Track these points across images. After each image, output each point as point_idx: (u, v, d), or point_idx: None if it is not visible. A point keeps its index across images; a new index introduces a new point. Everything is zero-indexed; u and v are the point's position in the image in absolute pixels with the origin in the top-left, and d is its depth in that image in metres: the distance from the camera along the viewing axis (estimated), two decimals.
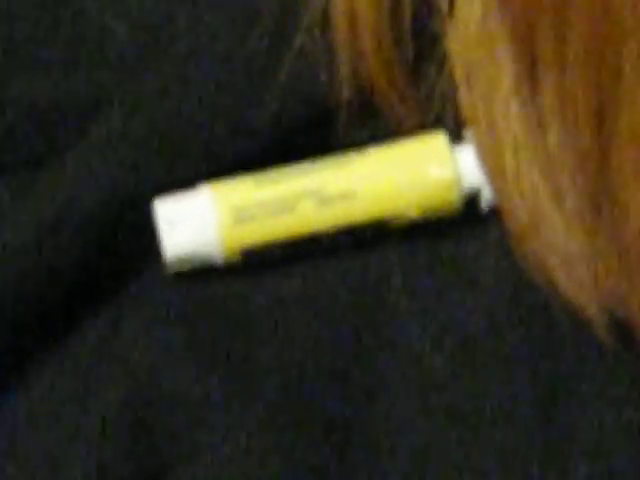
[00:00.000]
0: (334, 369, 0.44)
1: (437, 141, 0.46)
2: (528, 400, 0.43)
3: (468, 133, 0.44)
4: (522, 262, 0.45)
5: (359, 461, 0.44)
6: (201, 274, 0.45)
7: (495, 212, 0.45)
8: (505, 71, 0.46)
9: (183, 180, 0.45)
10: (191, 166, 0.44)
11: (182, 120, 0.44)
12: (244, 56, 0.45)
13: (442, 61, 0.45)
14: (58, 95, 0.47)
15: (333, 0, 0.46)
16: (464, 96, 0.45)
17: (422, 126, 0.46)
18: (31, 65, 0.49)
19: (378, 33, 0.45)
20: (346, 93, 0.44)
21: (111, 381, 0.44)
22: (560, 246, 0.43)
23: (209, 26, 0.46)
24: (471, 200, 0.46)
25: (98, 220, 0.43)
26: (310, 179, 0.45)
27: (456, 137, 0.45)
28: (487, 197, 0.45)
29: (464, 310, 0.44)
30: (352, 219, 0.46)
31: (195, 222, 0.44)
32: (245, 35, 0.45)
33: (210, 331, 0.44)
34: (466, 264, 0.46)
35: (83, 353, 0.46)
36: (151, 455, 0.42)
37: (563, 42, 0.43)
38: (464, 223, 0.47)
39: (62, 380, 0.43)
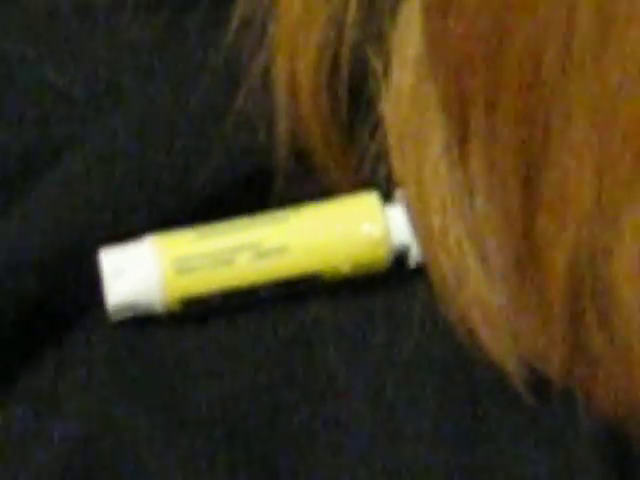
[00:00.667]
0: (259, 412, 0.47)
1: (369, 200, 0.48)
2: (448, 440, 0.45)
3: (399, 193, 0.46)
4: (447, 316, 0.46)
5: None
6: (142, 322, 0.46)
7: (422, 269, 0.46)
8: (435, 135, 0.47)
9: (128, 232, 0.46)
10: (135, 218, 0.46)
11: (128, 174, 0.46)
12: (187, 114, 0.47)
13: (376, 123, 0.47)
14: (9, 148, 0.49)
15: (274, 61, 0.47)
16: (396, 158, 0.47)
17: (355, 185, 0.48)
18: None
19: (316, 96, 0.47)
20: (283, 153, 0.47)
21: (52, 424, 0.45)
22: (483, 302, 0.45)
23: (156, 86, 0.48)
24: (400, 257, 0.48)
25: (42, 269, 0.45)
26: (248, 233, 0.47)
27: (387, 197, 0.47)
28: (415, 254, 0.48)
29: (389, 360, 0.47)
30: (287, 272, 0.47)
31: (138, 272, 0.46)
32: (189, 94, 0.47)
33: (141, 372, 0.46)
34: (394, 317, 0.48)
35: (28, 396, 0.48)
36: None
37: (493, 109, 0.44)
38: (393, 278, 0.48)
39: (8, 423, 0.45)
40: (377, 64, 0.49)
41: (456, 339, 0.48)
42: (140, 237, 0.47)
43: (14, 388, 0.46)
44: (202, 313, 0.47)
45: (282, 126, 0.48)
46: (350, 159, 0.49)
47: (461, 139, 0.47)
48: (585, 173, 0.44)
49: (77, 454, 0.45)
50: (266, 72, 0.48)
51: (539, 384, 0.47)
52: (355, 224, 0.49)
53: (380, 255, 0.49)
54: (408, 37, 0.47)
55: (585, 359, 0.47)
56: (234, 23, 0.50)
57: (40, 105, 0.49)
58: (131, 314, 0.47)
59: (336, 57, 0.49)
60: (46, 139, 0.49)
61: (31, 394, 0.46)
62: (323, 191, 0.50)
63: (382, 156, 0.50)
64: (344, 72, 0.49)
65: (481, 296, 0.46)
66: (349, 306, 0.48)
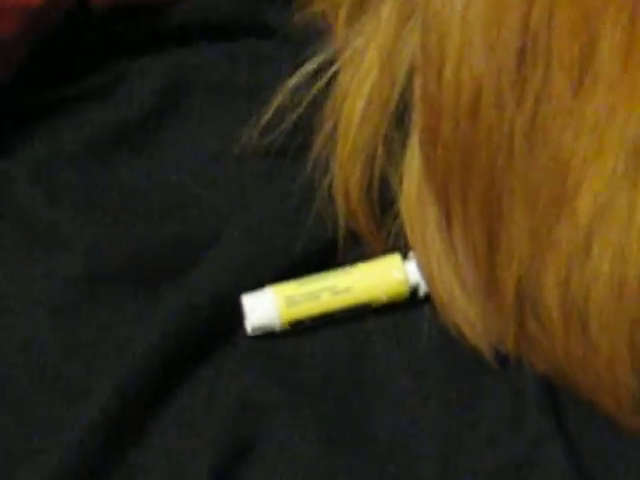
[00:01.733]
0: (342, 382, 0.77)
1: (395, 258, 0.78)
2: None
3: (412, 254, 0.76)
4: (444, 323, 0.75)
5: None
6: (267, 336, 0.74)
7: (428, 296, 0.76)
8: (431, 219, 0.75)
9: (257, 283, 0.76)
10: (261, 274, 0.77)
11: (255, 248, 0.77)
12: (287, 215, 0.78)
13: (397, 214, 0.76)
14: (169, 237, 0.80)
15: (335, 183, 0.78)
16: (409, 233, 0.77)
17: (386, 250, 0.78)
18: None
19: (360, 202, 0.78)
20: (342, 232, 0.79)
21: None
22: (464, 311, 0.73)
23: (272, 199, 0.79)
24: (415, 290, 0.77)
25: (211, 308, 0.75)
26: (328, 281, 0.76)
27: (405, 256, 0.77)
28: (424, 288, 0.77)
29: (412, 352, 0.77)
30: (352, 303, 0.76)
31: (264, 308, 0.75)
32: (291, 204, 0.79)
33: (276, 363, 0.77)
34: (412, 325, 0.78)
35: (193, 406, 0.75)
36: None
37: (465, 202, 0.72)
38: (411, 304, 0.78)
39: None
40: (395, 179, 0.79)
41: (451, 336, 0.75)
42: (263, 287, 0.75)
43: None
44: (303, 330, 0.75)
45: (341, 220, 0.78)
46: (381, 235, 0.79)
47: (447, 221, 0.75)
48: (522, 231, 0.72)
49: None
50: (330, 186, 0.77)
51: (501, 356, 0.74)
52: (388, 272, 0.77)
53: (403, 290, 0.77)
54: (412, 161, 0.77)
55: (527, 339, 0.74)
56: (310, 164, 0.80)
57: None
58: (260, 333, 0.75)
59: (371, 178, 0.77)
60: (193, 232, 0.80)
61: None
62: (368, 254, 0.79)
63: (400, 233, 0.78)
64: (375, 186, 0.78)
65: (463, 307, 0.74)
66: (387, 322, 0.78)
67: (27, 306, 0.78)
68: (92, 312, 0.79)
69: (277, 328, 0.78)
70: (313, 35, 0.86)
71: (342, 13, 0.85)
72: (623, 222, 0.73)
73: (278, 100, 0.84)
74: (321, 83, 0.84)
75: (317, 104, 0.82)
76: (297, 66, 0.84)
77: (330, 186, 0.82)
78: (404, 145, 0.81)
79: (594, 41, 0.73)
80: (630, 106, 0.71)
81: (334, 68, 0.84)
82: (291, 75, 0.84)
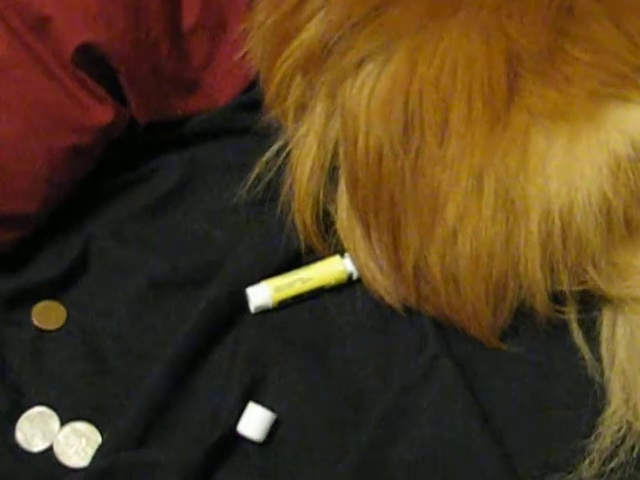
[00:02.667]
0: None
1: (337, 257, 0.92)
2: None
3: (347, 254, 0.91)
4: (370, 293, 0.89)
5: None
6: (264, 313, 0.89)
7: (359, 279, 0.91)
8: (357, 231, 0.90)
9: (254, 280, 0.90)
10: (256, 274, 0.91)
11: (252, 259, 0.90)
12: (269, 237, 0.92)
13: (335, 231, 0.92)
14: (197, 261, 0.92)
15: (296, 218, 0.92)
16: (343, 242, 0.92)
17: (331, 254, 0.93)
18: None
19: (312, 226, 0.92)
20: (303, 246, 0.93)
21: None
22: (382, 284, 0.89)
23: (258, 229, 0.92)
24: (350, 276, 0.91)
25: (224, 303, 0.88)
26: (298, 274, 0.91)
27: (343, 255, 0.92)
28: (356, 274, 0.91)
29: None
30: (314, 287, 0.90)
31: (261, 294, 0.89)
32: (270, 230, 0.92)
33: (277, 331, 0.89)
34: (351, 299, 0.92)
35: (220, 360, 0.89)
36: None
37: (377, 217, 0.86)
38: (349, 284, 0.92)
39: None
40: (332, 210, 0.92)
41: (375, 301, 0.90)
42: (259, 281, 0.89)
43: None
44: (286, 306, 0.90)
45: (302, 238, 0.93)
46: (327, 245, 0.93)
47: (367, 232, 0.88)
48: (414, 233, 0.84)
49: None
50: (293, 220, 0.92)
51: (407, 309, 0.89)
52: (333, 266, 0.92)
53: (343, 276, 0.91)
54: (342, 198, 0.91)
55: (422, 297, 0.88)
56: (279, 207, 0.93)
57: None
58: (259, 311, 0.89)
59: (318, 211, 0.92)
60: (211, 256, 0.94)
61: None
62: (320, 257, 0.93)
63: (339, 242, 0.92)
64: (321, 216, 0.93)
65: (382, 282, 0.89)
66: (336, 296, 0.92)
67: (115, 304, 0.91)
68: (154, 308, 0.91)
69: (270, 306, 0.90)
70: (274, 129, 0.97)
71: (290, 114, 0.93)
72: (474, 221, 0.83)
73: (257, 169, 0.96)
74: (282, 158, 0.95)
75: (281, 170, 0.94)
76: (266, 149, 0.96)
77: (293, 219, 0.93)
78: (336, 189, 0.92)
79: (448, 113, 0.81)
80: (471, 151, 0.81)
81: (289, 148, 0.94)
82: (263, 154, 0.96)
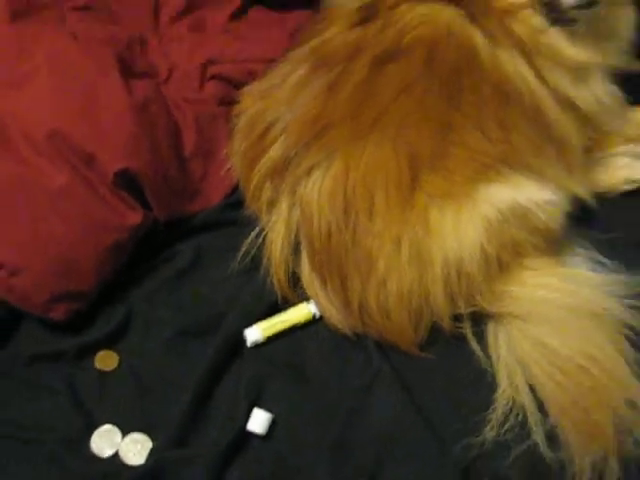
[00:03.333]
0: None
1: (304, 304, 1.04)
2: None
3: (312, 300, 1.04)
4: (332, 327, 1.02)
5: None
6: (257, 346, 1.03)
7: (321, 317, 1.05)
8: (317, 284, 1.02)
9: (249, 324, 1.01)
10: (249, 320, 1.00)
11: (246, 309, 1.00)
12: (257, 293, 1.02)
13: (302, 286, 1.05)
14: (210, 313, 1.02)
15: (274, 278, 1.04)
16: (308, 292, 1.04)
17: (300, 301, 1.05)
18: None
19: (285, 283, 1.04)
20: (280, 297, 1.05)
21: None
22: (337, 319, 1.01)
23: (249, 288, 1.02)
24: (315, 315, 1.04)
25: (228, 341, 0.98)
26: (279, 317, 1.04)
27: (308, 301, 1.06)
28: (318, 314, 1.04)
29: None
30: (291, 325, 1.03)
31: (254, 333, 1.02)
32: (257, 288, 1.02)
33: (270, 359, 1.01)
34: (317, 331, 1.03)
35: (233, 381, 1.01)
36: None
37: (330, 273, 0.98)
38: (314, 321, 1.04)
39: None
40: (299, 270, 1.05)
41: (335, 331, 1.02)
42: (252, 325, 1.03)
43: None
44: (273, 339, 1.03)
45: (279, 292, 1.05)
46: (296, 295, 1.05)
47: (324, 284, 1.01)
48: (356, 281, 0.96)
49: None
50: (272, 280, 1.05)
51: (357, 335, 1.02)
52: (302, 310, 1.04)
53: (310, 316, 1.04)
54: (305, 262, 1.03)
55: (366, 325, 0.99)
56: (262, 271, 1.06)
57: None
58: (253, 345, 1.02)
59: (288, 272, 1.05)
60: (217, 311, 1.06)
61: None
62: (292, 304, 1.06)
63: (305, 293, 1.05)
64: (290, 276, 1.05)
65: (337, 317, 1.01)
66: (307, 330, 1.04)
67: (153, 349, 1.03)
68: (181, 350, 1.03)
69: (261, 341, 1.02)
70: (253, 220, 1.09)
71: (264, 209, 1.06)
72: (397, 271, 0.94)
73: (243, 249, 1.08)
74: (260, 239, 1.06)
75: (260, 248, 1.06)
76: (249, 234, 1.08)
77: (271, 280, 1.04)
78: (299, 257, 1.03)
79: (373, 200, 0.95)
80: (390, 225, 0.93)
81: (265, 232, 1.05)
82: (247, 237, 1.08)
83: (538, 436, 0.89)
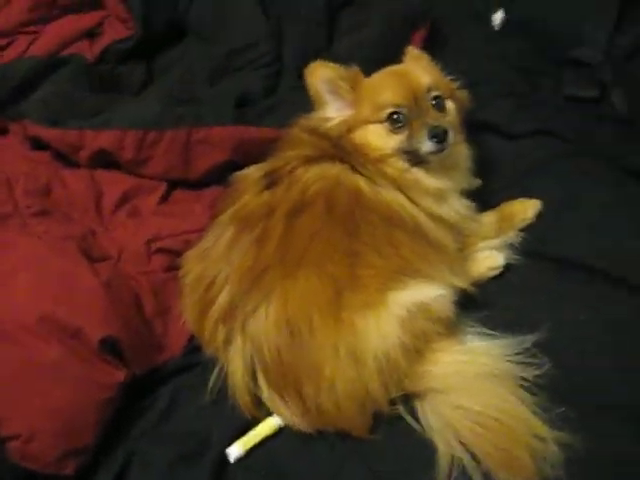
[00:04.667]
0: None
1: (271, 418, 1.22)
2: None
3: (275, 415, 1.20)
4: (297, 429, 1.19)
5: None
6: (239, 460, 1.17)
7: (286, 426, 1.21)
8: (277, 400, 1.17)
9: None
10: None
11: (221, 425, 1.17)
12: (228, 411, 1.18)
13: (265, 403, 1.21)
14: None
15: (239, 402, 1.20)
16: (271, 408, 1.20)
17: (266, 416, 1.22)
18: None
19: (250, 404, 1.20)
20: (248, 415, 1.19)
21: None
22: (299, 423, 1.16)
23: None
24: (280, 425, 1.20)
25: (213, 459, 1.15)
26: (253, 432, 1.19)
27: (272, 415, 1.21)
28: (282, 424, 1.20)
29: None
30: (262, 437, 1.19)
31: (236, 451, 1.17)
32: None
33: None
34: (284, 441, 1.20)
35: None
36: None
37: (286, 388, 1.14)
38: (280, 431, 1.21)
39: None
40: (259, 392, 1.21)
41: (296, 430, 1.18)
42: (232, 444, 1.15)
43: None
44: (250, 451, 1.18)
45: (246, 412, 1.21)
46: (262, 412, 1.21)
47: (283, 400, 1.17)
48: (311, 388, 1.12)
49: None
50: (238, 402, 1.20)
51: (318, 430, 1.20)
52: (271, 421, 1.20)
53: (276, 427, 1.20)
54: (263, 383, 1.19)
55: (319, 422, 1.16)
56: (229, 399, 1.20)
57: None
58: (237, 460, 1.18)
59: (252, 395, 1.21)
60: None
61: None
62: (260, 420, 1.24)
63: (269, 409, 1.21)
64: (254, 397, 1.21)
65: (298, 422, 1.16)
66: (277, 439, 1.20)
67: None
68: (185, 472, 1.17)
69: (242, 455, 1.17)
70: (214, 359, 1.25)
71: (221, 348, 1.22)
72: (340, 373, 1.10)
73: (212, 382, 1.23)
74: (223, 373, 1.22)
75: (225, 380, 1.22)
76: (213, 371, 1.24)
77: (239, 403, 1.20)
78: (257, 381, 1.19)
79: (311, 318, 1.12)
80: (328, 338, 1.11)
81: (225, 368, 1.21)
82: (212, 373, 1.24)
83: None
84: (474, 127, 1.47)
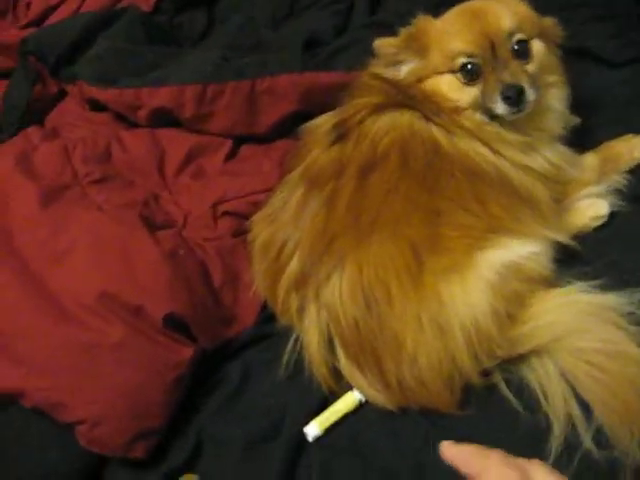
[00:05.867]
0: None
1: (351, 392, 1.12)
2: None
3: (355, 389, 1.10)
4: (375, 404, 1.09)
5: None
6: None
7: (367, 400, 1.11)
8: (355, 371, 1.08)
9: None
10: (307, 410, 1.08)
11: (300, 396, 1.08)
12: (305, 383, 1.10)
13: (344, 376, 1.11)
14: None
15: (316, 371, 1.09)
16: (349, 380, 1.10)
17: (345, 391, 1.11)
18: None
19: (328, 377, 1.11)
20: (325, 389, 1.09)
21: None
22: (381, 399, 1.08)
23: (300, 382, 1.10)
24: (361, 400, 1.10)
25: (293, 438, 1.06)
26: (331, 409, 1.10)
27: (352, 390, 1.11)
28: (364, 399, 1.10)
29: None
30: (341, 414, 1.10)
31: (313, 429, 1.08)
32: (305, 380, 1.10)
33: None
34: (367, 411, 1.10)
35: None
36: None
37: (367, 359, 1.05)
38: (361, 404, 1.11)
39: None
40: (337, 364, 1.12)
41: (379, 406, 1.09)
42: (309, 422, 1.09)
43: None
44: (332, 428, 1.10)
45: (324, 385, 1.12)
46: (340, 386, 1.12)
47: (362, 372, 1.08)
48: (391, 363, 1.04)
49: None
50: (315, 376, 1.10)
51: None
52: (350, 397, 1.10)
53: (357, 402, 1.10)
54: (340, 353, 1.10)
55: (406, 399, 1.06)
56: (306, 372, 1.12)
57: None
58: (315, 439, 1.09)
59: (328, 366, 1.11)
60: None
61: None
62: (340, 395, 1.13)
63: (348, 383, 1.11)
64: (331, 367, 1.12)
65: (381, 399, 1.07)
66: (359, 411, 1.11)
67: (229, 465, 1.09)
68: (257, 457, 1.08)
69: (320, 434, 1.08)
70: (288, 329, 1.16)
71: (295, 317, 1.13)
72: (423, 345, 1.01)
73: (286, 356, 1.14)
74: (299, 344, 1.12)
75: (300, 352, 1.12)
76: (287, 343, 1.15)
77: (316, 377, 1.11)
78: (335, 351, 1.10)
79: (388, 287, 1.02)
80: (409, 305, 1.01)
81: (301, 338, 1.13)
82: (286, 346, 1.14)
83: (587, 440, 0.95)
84: (568, 55, 1.24)
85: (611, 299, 1.06)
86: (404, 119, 1.14)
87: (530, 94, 1.10)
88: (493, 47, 1.11)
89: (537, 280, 1.08)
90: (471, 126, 1.14)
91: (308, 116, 1.27)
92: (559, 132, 1.22)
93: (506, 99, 1.09)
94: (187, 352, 1.10)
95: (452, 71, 1.13)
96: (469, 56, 1.12)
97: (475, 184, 1.11)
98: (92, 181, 1.31)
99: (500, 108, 1.10)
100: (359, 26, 1.51)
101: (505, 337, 1.04)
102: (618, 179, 1.25)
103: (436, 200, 1.08)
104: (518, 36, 1.13)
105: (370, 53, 1.21)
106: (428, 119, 1.15)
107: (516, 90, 1.09)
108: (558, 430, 0.98)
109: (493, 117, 1.14)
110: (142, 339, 1.08)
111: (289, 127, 1.36)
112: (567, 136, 1.24)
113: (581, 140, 1.28)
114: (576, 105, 1.27)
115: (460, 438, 0.94)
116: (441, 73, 1.14)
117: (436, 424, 1.05)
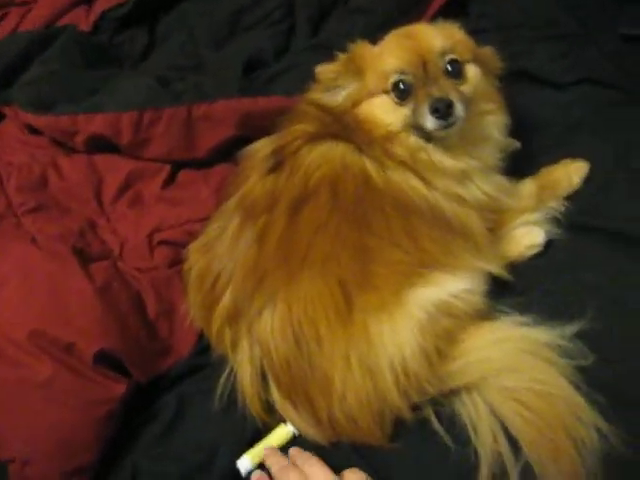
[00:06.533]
0: None
1: (284, 425, 1.13)
2: None
3: (288, 422, 1.11)
4: (306, 438, 1.10)
5: None
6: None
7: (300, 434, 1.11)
8: (288, 406, 1.08)
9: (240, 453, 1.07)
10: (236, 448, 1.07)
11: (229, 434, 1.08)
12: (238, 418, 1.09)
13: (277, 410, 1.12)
14: None
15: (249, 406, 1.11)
16: (284, 415, 1.10)
17: (278, 423, 1.11)
18: None
19: (261, 412, 1.11)
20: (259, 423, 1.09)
21: None
22: (311, 434, 1.08)
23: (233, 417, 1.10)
24: (294, 433, 1.11)
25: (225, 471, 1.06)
26: (264, 442, 1.10)
27: (285, 423, 1.12)
28: (297, 432, 1.10)
29: None
30: (276, 445, 1.09)
31: (245, 464, 1.08)
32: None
33: None
34: (298, 444, 1.09)
35: None
36: None
37: (297, 395, 1.05)
38: (294, 438, 1.11)
39: None
40: (270, 398, 1.11)
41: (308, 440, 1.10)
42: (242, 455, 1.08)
43: None
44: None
45: (257, 419, 1.11)
46: (275, 419, 1.12)
47: (295, 408, 1.08)
48: (319, 397, 1.03)
49: None
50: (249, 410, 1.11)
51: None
52: (283, 430, 1.11)
53: (291, 434, 1.11)
54: (273, 388, 1.10)
55: (335, 434, 1.06)
56: (239, 406, 1.12)
57: None
58: (247, 473, 1.09)
59: (262, 401, 1.12)
60: None
61: None
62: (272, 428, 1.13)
63: (281, 417, 1.12)
64: (265, 404, 1.12)
65: (311, 432, 1.08)
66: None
67: None
68: None
69: (253, 468, 1.08)
70: (223, 359, 1.15)
71: (229, 350, 1.12)
72: (352, 384, 1.00)
73: (220, 389, 1.13)
74: (232, 377, 1.12)
75: (234, 385, 1.12)
76: (222, 374, 1.14)
77: (250, 411, 1.10)
78: (268, 386, 1.10)
79: (318, 328, 1.01)
80: (338, 345, 1.01)
81: (234, 371, 1.12)
82: (220, 378, 1.14)
83: (514, 476, 0.96)
84: (509, 77, 1.24)
85: (543, 334, 1.06)
86: (337, 152, 1.13)
87: (459, 109, 1.08)
88: (425, 65, 1.11)
89: (469, 316, 1.07)
90: (404, 154, 1.12)
91: (248, 139, 1.24)
92: (495, 162, 1.20)
93: (434, 112, 1.07)
94: (119, 388, 1.09)
95: (385, 91, 1.12)
96: (401, 73, 1.11)
97: (406, 218, 1.09)
98: (27, 210, 1.29)
99: (429, 122, 1.08)
100: (300, 48, 1.49)
101: (435, 374, 1.04)
102: (556, 206, 1.24)
103: (365, 236, 1.07)
104: (451, 56, 1.12)
105: (310, 76, 1.20)
106: (361, 151, 1.13)
107: (445, 103, 1.07)
108: (486, 466, 0.98)
109: (427, 139, 1.11)
110: (72, 376, 1.06)
111: (229, 151, 1.35)
112: (506, 162, 1.22)
113: (521, 164, 1.27)
114: (518, 129, 1.26)
115: (390, 470, 1.01)
116: (374, 95, 1.13)
117: (366, 457, 1.04)
